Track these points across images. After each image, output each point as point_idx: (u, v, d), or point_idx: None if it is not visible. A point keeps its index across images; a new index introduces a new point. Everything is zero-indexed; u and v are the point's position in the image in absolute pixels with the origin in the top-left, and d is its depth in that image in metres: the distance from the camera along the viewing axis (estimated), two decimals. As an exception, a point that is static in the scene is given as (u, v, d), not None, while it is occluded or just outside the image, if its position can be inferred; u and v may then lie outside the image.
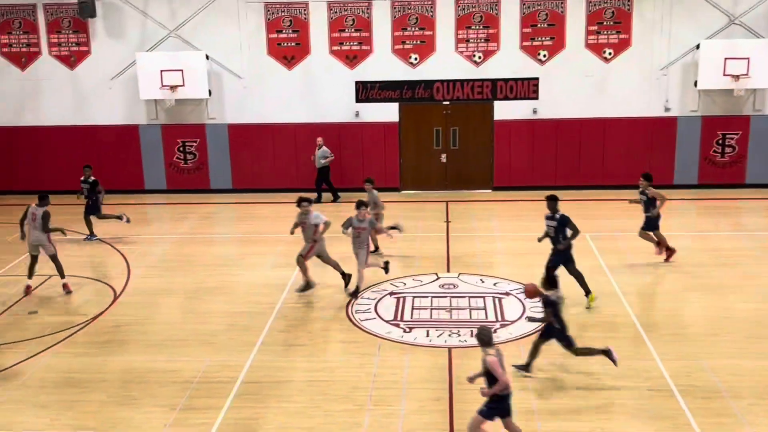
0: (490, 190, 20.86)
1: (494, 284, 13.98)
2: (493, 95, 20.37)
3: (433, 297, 13.43)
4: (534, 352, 10.55)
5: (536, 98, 20.28)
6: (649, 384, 10.25)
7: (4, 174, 20.37)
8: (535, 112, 20.35)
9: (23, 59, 20.55)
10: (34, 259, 13.94)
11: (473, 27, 20.08)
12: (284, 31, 20.22)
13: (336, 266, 13.62)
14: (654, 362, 10.84)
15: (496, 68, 20.22)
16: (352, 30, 20.15)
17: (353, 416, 9.67)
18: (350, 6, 19.99)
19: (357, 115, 20.52)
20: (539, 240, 13.33)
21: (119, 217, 17.13)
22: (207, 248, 16.37)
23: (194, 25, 20.13)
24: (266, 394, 10.26)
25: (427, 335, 11.94)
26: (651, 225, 14.73)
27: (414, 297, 13.42)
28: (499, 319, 12.53)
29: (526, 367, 10.56)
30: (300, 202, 13.43)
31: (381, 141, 20.73)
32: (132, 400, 10.19)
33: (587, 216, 15.62)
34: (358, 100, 20.46)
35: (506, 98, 20.35)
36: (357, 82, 20.36)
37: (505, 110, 20.42)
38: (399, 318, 12.61)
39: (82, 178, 17.20)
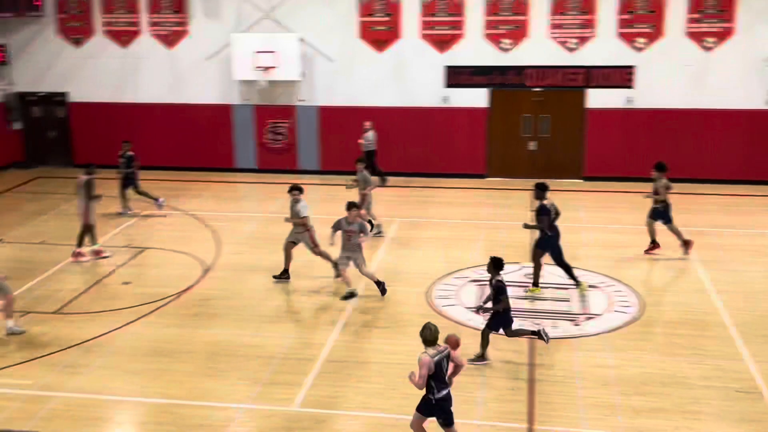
0: (580, 180, 20.44)
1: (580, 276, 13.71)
2: (587, 83, 19.91)
3: (516, 286, 13.28)
4: (485, 343, 10.52)
5: (632, 87, 19.71)
6: (739, 385, 9.90)
7: (104, 148, 21.14)
8: (629, 101, 19.79)
9: (124, 37, 21.27)
10: (85, 228, 14.63)
11: (569, 12, 19.64)
12: (376, 15, 20.26)
13: (287, 261, 13.48)
14: (744, 363, 10.46)
15: (591, 55, 19.74)
16: (445, 14, 20.02)
17: (432, 401, 9.69)
18: (443, -10, 19.89)
19: (445, 100, 20.42)
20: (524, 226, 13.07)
21: (156, 199, 17.64)
22: (286, 229, 16.60)
23: (289, 7, 20.39)
24: (347, 373, 10.40)
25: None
26: (658, 215, 14.39)
27: (497, 285, 13.29)
28: (584, 312, 12.30)
29: (480, 358, 10.51)
30: (291, 189, 13.36)
31: (468, 126, 20.57)
32: (218, 372, 10.50)
33: (680, 210, 15.12)
34: (447, 85, 20.35)
35: (600, 86, 19.86)
36: (446, 67, 20.24)
37: (598, 98, 19.92)
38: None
39: (120, 153, 17.70)
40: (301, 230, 13.42)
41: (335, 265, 13.15)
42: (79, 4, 21.09)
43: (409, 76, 20.45)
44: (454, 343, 8.72)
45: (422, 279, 13.53)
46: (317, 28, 20.41)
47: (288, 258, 13.55)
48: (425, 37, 20.21)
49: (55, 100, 21.80)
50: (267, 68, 20.06)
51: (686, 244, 14.55)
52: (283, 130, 21.11)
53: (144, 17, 21.04)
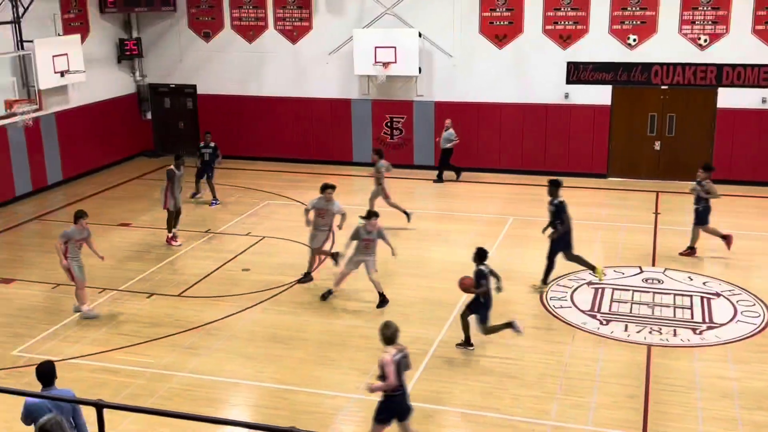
0: (705, 183, 19.50)
1: (704, 283, 13.12)
2: (718, 81, 18.97)
3: (634, 291, 12.85)
4: (466, 326, 10.83)
5: None
6: None
7: (230, 140, 21.92)
8: (765, 101, 18.73)
9: (251, 32, 21.95)
10: (169, 214, 15.24)
11: (700, 8, 18.77)
12: (498, 10, 20.04)
13: (312, 263, 13.46)
14: None
15: (723, 53, 18.79)
16: (569, 9, 19.56)
17: (541, 403, 9.54)
18: (568, -16, 19.43)
19: (566, 96, 19.96)
20: (543, 230, 13.01)
21: (214, 197, 18.01)
22: (406, 222, 16.71)
23: (410, 3, 20.45)
24: (455, 370, 10.36)
25: (626, 330, 11.46)
26: (700, 220, 14.15)
27: (614, 289, 12.92)
28: (707, 320, 11.77)
29: (466, 343, 10.87)
30: (324, 188, 13.15)
31: (590, 124, 20.03)
32: (330, 360, 10.70)
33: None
34: (568, 82, 19.89)
35: (733, 85, 18.88)
36: (569, 63, 19.77)
37: (730, 98, 18.95)
38: (596, 309, 12.21)
39: (202, 144, 18.26)
40: (325, 229, 13.29)
41: (334, 255, 13.26)
42: (209, 0, 21.94)
43: (530, 72, 20.11)
44: (468, 284, 10.50)
45: (535, 279, 13.30)
46: (437, 23, 20.38)
47: (316, 259, 13.54)
48: (547, 32, 19.82)
49: (185, 92, 22.77)
50: (386, 63, 20.22)
51: (725, 239, 14.26)
52: (400, 125, 21.23)
53: (270, 12, 21.63)
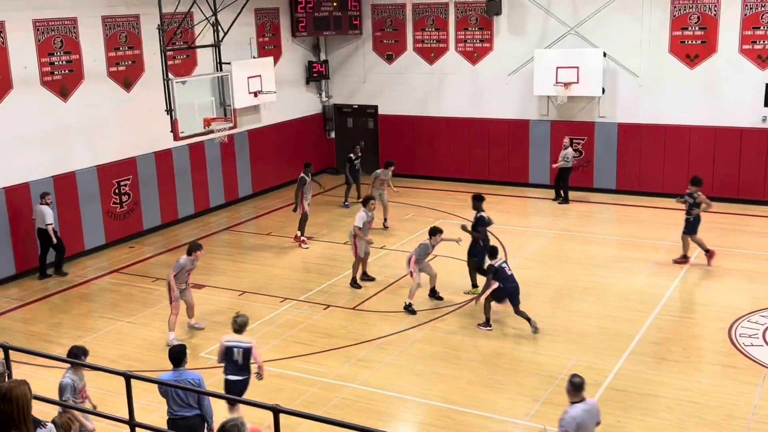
0: None
1: None
2: None
3: (837, 332, 11.70)
4: (487, 308, 12.18)
5: None
6: None
7: (407, 159, 22.34)
8: None
9: (432, 54, 22.31)
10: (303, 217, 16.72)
11: None
12: (690, 29, 19.07)
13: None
14: None
15: None
16: (764, 30, 18.28)
17: (726, 447, 8.88)
18: (769, 0, 18.16)
19: (764, 120, 18.61)
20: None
21: (345, 202, 19.80)
22: (583, 247, 16.23)
23: (595, 22, 19.96)
24: (631, 404, 9.90)
25: (826, 375, 10.45)
26: (690, 229, 14.74)
27: (814, 329, 11.83)
28: None
29: (486, 323, 12.21)
30: (366, 201, 14.41)
31: (791, 150, 18.54)
32: (498, 384, 10.57)
33: None
34: (766, 104, 18.53)
35: None
36: (767, 85, 18.44)
37: None
38: (792, 349, 11.22)
39: (351, 155, 19.68)
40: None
41: (358, 280, 14.32)
42: (394, 23, 22.55)
43: (723, 94, 18.95)
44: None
45: (723, 313, 12.45)
46: (624, 42, 19.72)
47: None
48: (744, 52, 18.61)
49: (367, 112, 23.50)
50: (567, 84, 19.82)
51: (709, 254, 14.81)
52: (579, 147, 20.70)
53: (452, 34, 21.89)
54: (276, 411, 5.96)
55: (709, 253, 14.80)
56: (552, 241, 16.70)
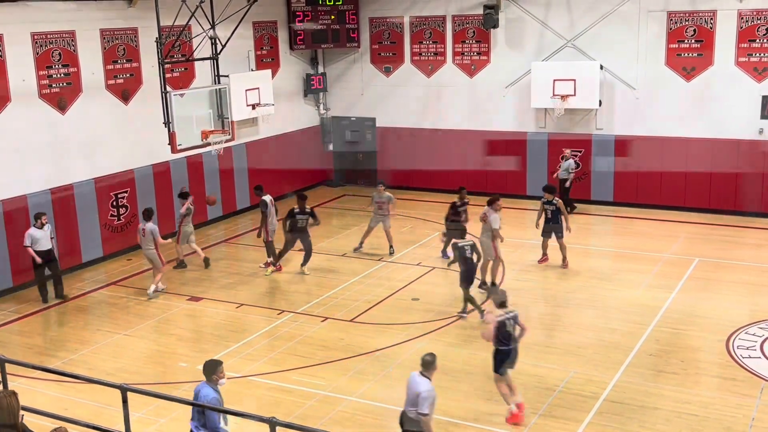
0: None
1: None
2: None
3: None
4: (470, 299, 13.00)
5: None
6: None
7: (405, 171, 22.35)
8: None
9: (430, 67, 22.37)
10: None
11: None
12: (686, 41, 19.17)
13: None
14: None
15: None
16: (764, 41, 18.34)
17: (724, 460, 8.85)
18: (765, 14, 18.23)
19: (761, 132, 18.66)
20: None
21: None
22: (581, 259, 16.22)
23: (592, 35, 20.04)
24: (629, 416, 9.87)
25: (825, 387, 10.44)
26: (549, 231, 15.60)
27: (812, 341, 11.82)
28: None
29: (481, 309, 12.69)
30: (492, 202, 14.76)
31: (787, 163, 18.58)
32: (495, 396, 10.52)
33: None
34: (763, 117, 18.59)
35: None
36: (764, 97, 18.49)
37: None
38: (790, 361, 11.21)
39: (297, 209, 17.58)
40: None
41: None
42: (391, 35, 22.62)
43: (719, 107, 19.01)
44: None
45: (721, 326, 12.45)
46: (620, 55, 19.80)
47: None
48: (741, 64, 18.68)
49: (365, 124, 23.53)
50: (564, 96, 19.88)
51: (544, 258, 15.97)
52: (576, 159, 20.73)
53: (449, 47, 21.95)
54: (273, 424, 5.94)
55: (544, 257, 16.00)
56: (550, 253, 16.67)
